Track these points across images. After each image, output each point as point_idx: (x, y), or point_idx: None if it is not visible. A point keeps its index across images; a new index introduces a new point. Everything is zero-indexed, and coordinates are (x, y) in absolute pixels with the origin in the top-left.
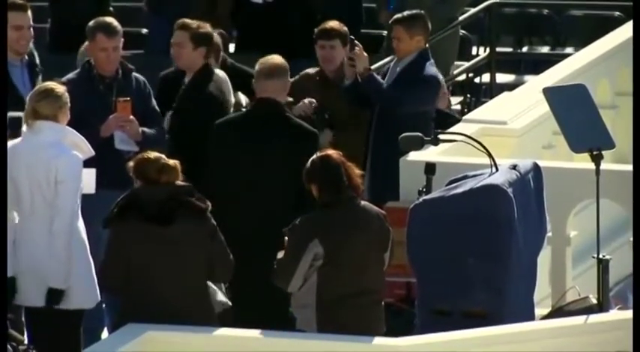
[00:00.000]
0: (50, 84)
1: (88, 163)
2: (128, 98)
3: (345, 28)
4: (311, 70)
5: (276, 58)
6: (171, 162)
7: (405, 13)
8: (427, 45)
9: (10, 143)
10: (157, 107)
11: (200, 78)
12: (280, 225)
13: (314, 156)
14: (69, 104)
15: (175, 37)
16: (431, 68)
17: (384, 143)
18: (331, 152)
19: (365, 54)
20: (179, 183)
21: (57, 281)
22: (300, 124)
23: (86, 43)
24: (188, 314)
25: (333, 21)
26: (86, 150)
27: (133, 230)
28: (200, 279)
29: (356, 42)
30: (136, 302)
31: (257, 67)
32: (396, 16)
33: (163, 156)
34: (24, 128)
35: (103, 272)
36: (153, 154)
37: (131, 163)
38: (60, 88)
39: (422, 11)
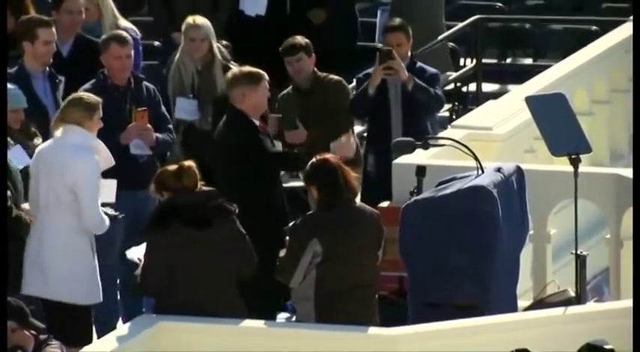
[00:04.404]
0: (83, 94)
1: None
2: (145, 108)
3: (307, 40)
4: (285, 91)
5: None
6: (186, 164)
7: (396, 21)
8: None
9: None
10: (165, 112)
11: None
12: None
13: (313, 160)
14: (100, 114)
15: None
16: (427, 66)
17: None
18: (329, 156)
19: (401, 63)
20: (207, 188)
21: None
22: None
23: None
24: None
25: (294, 37)
26: (107, 157)
27: (172, 236)
28: (232, 278)
29: (387, 50)
30: (175, 303)
31: None
32: (391, 25)
33: (178, 163)
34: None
35: (144, 276)
36: (168, 166)
37: (152, 185)
38: (91, 98)
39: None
